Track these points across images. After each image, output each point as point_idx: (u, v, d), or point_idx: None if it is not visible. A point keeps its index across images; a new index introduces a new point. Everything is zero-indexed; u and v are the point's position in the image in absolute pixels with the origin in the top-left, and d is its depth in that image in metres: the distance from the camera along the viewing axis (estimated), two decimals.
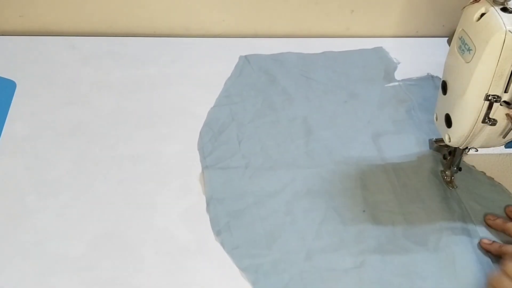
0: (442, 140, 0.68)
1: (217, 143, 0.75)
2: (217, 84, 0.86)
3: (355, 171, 0.73)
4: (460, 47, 0.60)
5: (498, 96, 0.59)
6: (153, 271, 0.62)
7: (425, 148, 0.76)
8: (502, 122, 0.61)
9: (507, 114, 0.61)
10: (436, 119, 0.68)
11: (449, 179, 0.72)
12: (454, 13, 0.65)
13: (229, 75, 0.87)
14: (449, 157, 0.71)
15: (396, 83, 0.87)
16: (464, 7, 0.60)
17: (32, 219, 0.65)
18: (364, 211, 0.68)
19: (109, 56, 0.89)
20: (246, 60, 0.89)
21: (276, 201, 0.68)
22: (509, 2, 0.57)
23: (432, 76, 0.88)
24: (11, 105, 0.79)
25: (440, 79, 0.65)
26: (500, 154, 0.77)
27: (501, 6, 0.56)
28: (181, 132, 0.78)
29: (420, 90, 0.85)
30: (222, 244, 0.64)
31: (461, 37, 0.59)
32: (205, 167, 0.72)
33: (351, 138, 0.77)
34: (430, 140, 0.73)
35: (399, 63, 0.90)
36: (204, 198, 0.70)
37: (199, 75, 0.87)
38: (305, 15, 0.96)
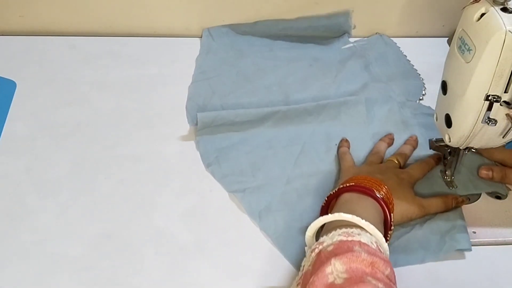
0: (442, 140, 0.68)
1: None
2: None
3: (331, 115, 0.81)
4: (460, 47, 0.60)
5: (498, 96, 0.59)
6: (153, 271, 0.62)
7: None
8: (502, 122, 0.61)
9: (507, 114, 0.61)
10: (436, 119, 0.68)
11: (449, 179, 0.72)
12: (454, 13, 0.65)
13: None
14: (449, 157, 0.71)
15: (351, 44, 0.95)
16: (464, 7, 0.59)
17: (32, 219, 0.66)
18: (336, 144, 0.77)
19: (109, 56, 0.89)
20: (209, 35, 0.94)
21: (260, 137, 0.77)
22: (509, 2, 0.57)
23: (381, 35, 0.97)
24: (11, 105, 0.79)
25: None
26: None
27: (501, 6, 0.56)
28: (181, 132, 0.78)
29: (373, 47, 0.95)
30: (212, 173, 0.72)
31: (461, 37, 0.59)
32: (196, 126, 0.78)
33: (324, 96, 0.84)
34: (430, 140, 0.73)
35: (354, 27, 0.96)
36: (204, 198, 0.70)
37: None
38: (305, 15, 0.96)
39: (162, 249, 0.64)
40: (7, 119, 0.77)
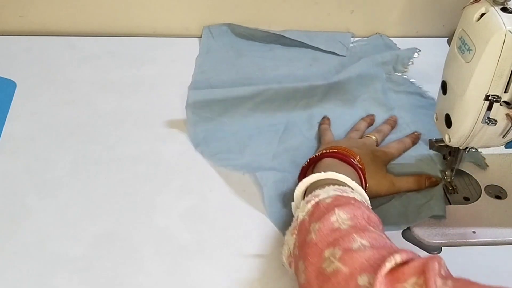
0: (442, 140, 0.68)
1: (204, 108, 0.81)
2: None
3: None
4: (460, 47, 0.60)
5: (498, 96, 0.59)
6: (153, 271, 0.62)
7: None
8: (502, 122, 0.61)
9: (507, 114, 0.61)
10: (436, 119, 0.68)
11: (449, 179, 0.72)
12: (454, 13, 0.65)
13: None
14: (449, 157, 0.71)
15: (351, 45, 0.96)
16: (464, 7, 0.59)
17: (32, 219, 0.65)
18: (317, 122, 0.80)
19: (109, 56, 0.89)
20: (210, 34, 0.94)
21: (245, 118, 0.79)
22: (509, 2, 0.57)
23: (381, 35, 0.98)
24: (11, 105, 0.79)
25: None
26: (500, 154, 0.77)
27: (501, 6, 0.56)
28: (181, 132, 0.78)
29: (373, 48, 0.95)
30: (202, 153, 0.75)
31: (461, 37, 0.59)
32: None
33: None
34: (430, 140, 0.73)
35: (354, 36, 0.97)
36: (205, 198, 0.70)
37: None
38: (305, 15, 0.96)
39: (162, 249, 0.64)
40: (7, 119, 0.77)
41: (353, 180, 0.61)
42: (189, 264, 0.63)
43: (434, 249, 0.65)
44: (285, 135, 0.78)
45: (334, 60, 0.92)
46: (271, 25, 0.97)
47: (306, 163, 0.67)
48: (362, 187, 0.62)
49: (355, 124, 0.80)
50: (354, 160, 0.65)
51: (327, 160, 0.66)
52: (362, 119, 0.80)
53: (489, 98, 0.59)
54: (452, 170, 0.72)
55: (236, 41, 0.94)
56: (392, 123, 0.80)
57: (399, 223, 0.67)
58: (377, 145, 0.75)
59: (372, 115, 0.81)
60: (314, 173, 0.62)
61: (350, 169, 0.65)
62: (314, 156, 0.67)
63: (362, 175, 0.65)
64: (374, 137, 0.75)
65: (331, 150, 0.66)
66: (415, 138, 0.77)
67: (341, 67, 0.90)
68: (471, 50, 0.58)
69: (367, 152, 0.70)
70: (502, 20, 0.55)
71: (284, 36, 0.94)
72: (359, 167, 0.65)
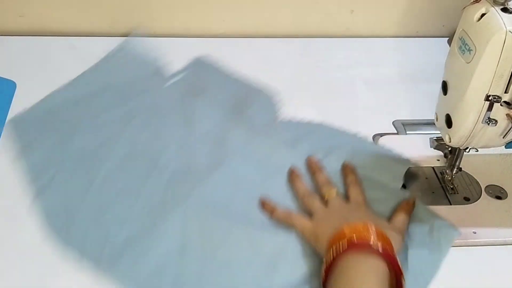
0: (442, 140, 0.68)
1: None
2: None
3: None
4: (460, 47, 0.60)
5: (498, 96, 0.59)
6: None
7: None
8: (502, 122, 0.61)
9: (507, 114, 0.61)
10: (436, 119, 0.68)
11: (449, 178, 0.72)
12: (454, 13, 0.65)
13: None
14: (450, 156, 0.71)
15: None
16: (464, 7, 0.59)
17: (32, 219, 0.65)
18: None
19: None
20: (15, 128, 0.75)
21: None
22: (509, 2, 0.57)
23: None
24: (11, 105, 0.79)
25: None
26: (500, 154, 0.77)
27: (502, 6, 0.56)
28: None
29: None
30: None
31: (461, 37, 0.59)
32: None
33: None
34: (431, 139, 0.73)
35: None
36: None
37: None
38: (305, 15, 0.96)
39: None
40: (7, 119, 0.77)
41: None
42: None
43: None
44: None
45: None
46: (272, 25, 0.97)
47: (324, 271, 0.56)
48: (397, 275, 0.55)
49: (297, 190, 0.68)
50: (371, 243, 0.55)
51: (349, 261, 0.55)
52: (292, 179, 0.69)
53: (490, 98, 0.59)
54: (452, 170, 0.72)
55: (52, 118, 0.76)
56: (316, 167, 0.71)
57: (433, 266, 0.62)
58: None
59: (294, 169, 0.71)
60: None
61: (370, 262, 0.55)
62: (327, 266, 0.56)
63: (390, 260, 0.55)
64: (335, 194, 0.66)
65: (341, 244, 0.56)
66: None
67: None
68: (471, 50, 0.58)
69: (357, 215, 0.63)
70: (503, 20, 0.55)
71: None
72: (382, 249, 0.55)
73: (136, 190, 0.67)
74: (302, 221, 0.63)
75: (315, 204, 0.65)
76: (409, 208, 0.66)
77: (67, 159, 0.70)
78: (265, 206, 0.66)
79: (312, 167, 0.71)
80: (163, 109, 0.78)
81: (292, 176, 0.70)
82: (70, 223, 0.63)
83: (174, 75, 0.85)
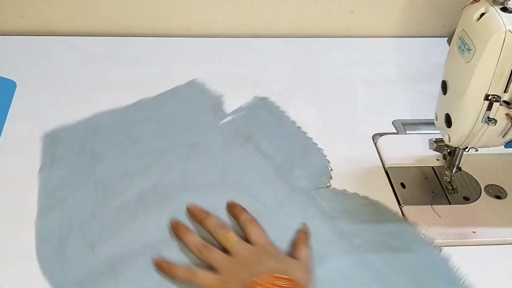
0: (442, 140, 0.68)
1: None
2: (217, 84, 0.86)
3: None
4: (460, 47, 0.60)
5: (498, 96, 0.59)
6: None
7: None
8: (502, 122, 0.61)
9: (507, 114, 0.61)
10: (436, 119, 0.68)
11: (449, 179, 0.72)
12: (454, 13, 0.65)
13: (229, 76, 0.87)
14: (449, 157, 0.71)
15: (230, 117, 0.79)
16: (464, 7, 0.60)
17: (32, 219, 0.65)
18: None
19: (109, 56, 0.89)
20: (52, 139, 0.74)
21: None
22: (509, 2, 0.57)
23: (262, 98, 0.83)
24: (11, 105, 0.79)
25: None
26: (500, 154, 0.77)
27: (501, 6, 0.56)
28: None
29: (256, 119, 0.79)
30: None
31: (461, 37, 0.59)
32: None
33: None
34: (430, 141, 0.73)
35: (222, 95, 0.83)
36: None
37: (199, 75, 0.87)
38: (305, 15, 0.96)
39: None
40: (7, 119, 0.77)
41: None
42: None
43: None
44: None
45: (217, 142, 0.75)
46: (272, 25, 0.97)
47: None
48: None
49: (188, 242, 0.61)
50: None
51: None
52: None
53: (489, 97, 0.59)
54: (451, 170, 0.72)
55: (88, 139, 0.74)
56: (204, 213, 0.64)
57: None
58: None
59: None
60: None
61: None
62: None
63: None
64: (234, 237, 0.60)
65: None
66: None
67: (229, 152, 0.74)
68: (471, 50, 0.58)
69: (264, 260, 0.58)
70: (502, 20, 0.55)
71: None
72: None
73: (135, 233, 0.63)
74: (206, 277, 0.57)
75: (216, 255, 0.59)
76: (307, 238, 0.63)
77: (84, 184, 0.68)
78: (163, 267, 0.59)
79: (197, 215, 0.63)
80: (201, 149, 0.74)
81: (178, 230, 0.62)
82: (61, 250, 0.61)
83: (226, 115, 0.80)
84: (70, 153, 0.72)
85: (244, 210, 0.64)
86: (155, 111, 0.79)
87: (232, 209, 0.65)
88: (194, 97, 0.83)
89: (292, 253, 0.61)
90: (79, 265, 0.60)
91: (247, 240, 0.60)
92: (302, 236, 0.63)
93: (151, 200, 0.66)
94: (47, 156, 0.71)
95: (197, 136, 0.75)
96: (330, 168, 0.73)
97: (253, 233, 0.61)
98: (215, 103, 0.82)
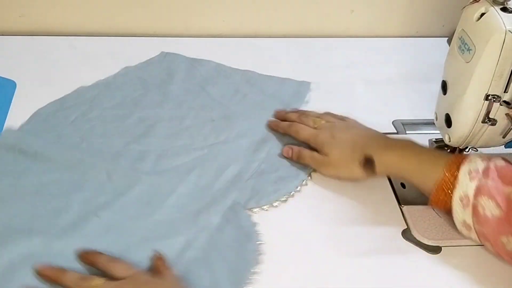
0: (442, 140, 0.68)
1: None
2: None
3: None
4: (460, 47, 0.60)
5: (498, 96, 0.59)
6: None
7: None
8: (502, 122, 0.61)
9: (507, 114, 0.61)
10: (436, 119, 0.68)
11: None
12: (454, 13, 0.65)
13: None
14: None
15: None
16: (464, 7, 0.60)
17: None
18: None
19: (109, 56, 0.89)
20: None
21: None
22: (509, 2, 0.57)
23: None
24: (11, 105, 0.79)
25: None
26: (500, 154, 0.76)
27: (501, 6, 0.56)
28: None
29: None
30: None
31: (461, 37, 0.60)
32: None
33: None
34: (430, 140, 0.73)
35: (308, 101, 0.85)
36: None
37: None
38: (305, 15, 0.96)
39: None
40: (7, 119, 0.77)
41: None
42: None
43: (434, 249, 0.65)
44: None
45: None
46: (272, 25, 0.97)
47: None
48: None
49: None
50: None
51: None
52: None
53: (489, 98, 0.59)
54: None
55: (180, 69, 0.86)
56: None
57: None
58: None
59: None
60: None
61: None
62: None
63: None
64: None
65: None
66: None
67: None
68: (471, 50, 0.58)
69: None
70: (502, 20, 0.55)
71: None
72: None
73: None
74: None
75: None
76: (164, 262, 0.59)
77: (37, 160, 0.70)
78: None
79: (51, 276, 0.57)
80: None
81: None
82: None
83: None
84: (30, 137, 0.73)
85: (99, 253, 0.59)
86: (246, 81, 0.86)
87: (86, 258, 0.59)
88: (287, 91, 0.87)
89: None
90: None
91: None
92: (159, 263, 0.59)
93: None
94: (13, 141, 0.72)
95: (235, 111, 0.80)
96: None
97: (118, 270, 0.56)
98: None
